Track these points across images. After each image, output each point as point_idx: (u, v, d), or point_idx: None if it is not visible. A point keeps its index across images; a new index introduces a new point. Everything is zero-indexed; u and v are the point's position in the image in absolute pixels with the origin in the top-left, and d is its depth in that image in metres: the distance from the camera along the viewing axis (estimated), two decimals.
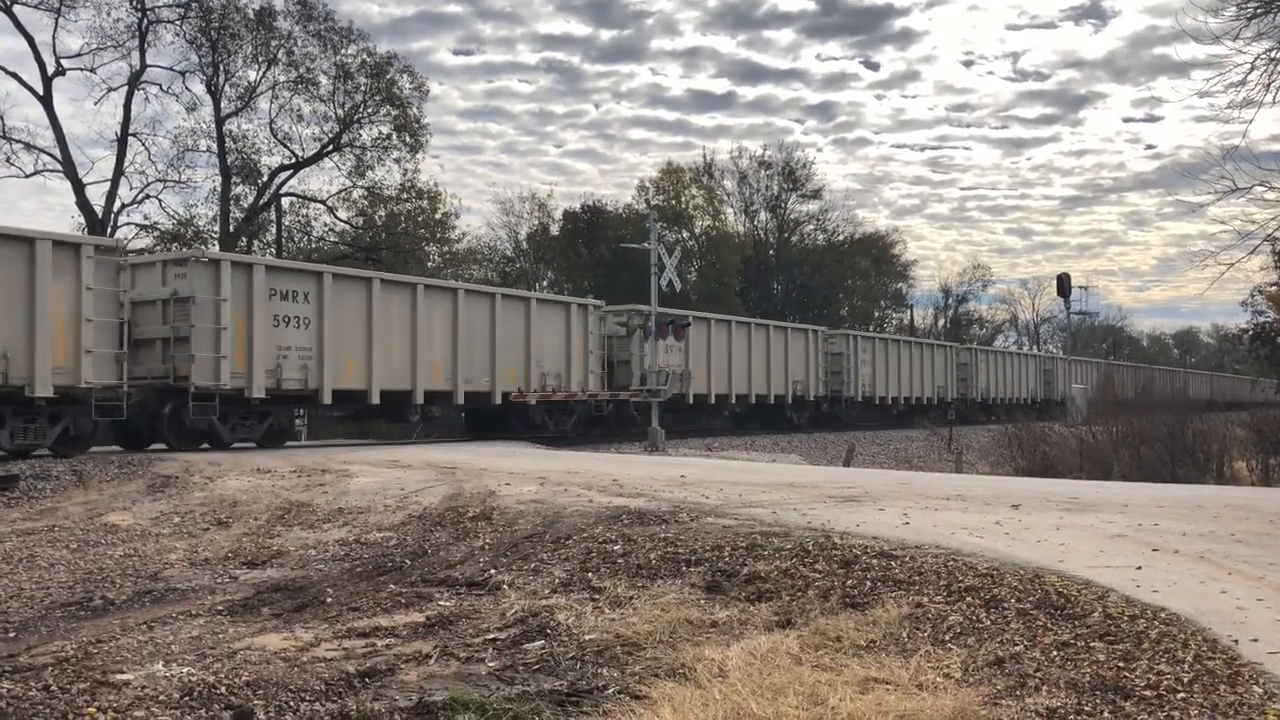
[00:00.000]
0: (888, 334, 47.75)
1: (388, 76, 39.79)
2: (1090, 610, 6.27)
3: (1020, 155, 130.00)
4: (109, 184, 36.47)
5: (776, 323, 35.80)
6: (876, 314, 70.54)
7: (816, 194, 64.86)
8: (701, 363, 30.07)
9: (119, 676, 5.74)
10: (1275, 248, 17.70)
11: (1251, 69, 13.68)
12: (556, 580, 8.05)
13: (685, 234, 55.19)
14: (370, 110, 39.95)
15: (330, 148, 39.88)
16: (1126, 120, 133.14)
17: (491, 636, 6.62)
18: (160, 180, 37.81)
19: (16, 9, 34.27)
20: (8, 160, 34.84)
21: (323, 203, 41.37)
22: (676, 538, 8.99)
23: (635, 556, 8.50)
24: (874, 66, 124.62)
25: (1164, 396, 45.76)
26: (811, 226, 65.99)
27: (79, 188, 35.65)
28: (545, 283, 54.56)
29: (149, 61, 36.66)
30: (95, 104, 45.78)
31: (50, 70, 35.24)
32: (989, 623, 6.30)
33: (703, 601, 7.26)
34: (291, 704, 5.36)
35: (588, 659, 6.09)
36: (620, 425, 27.50)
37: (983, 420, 46.43)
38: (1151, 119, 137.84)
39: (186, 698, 5.39)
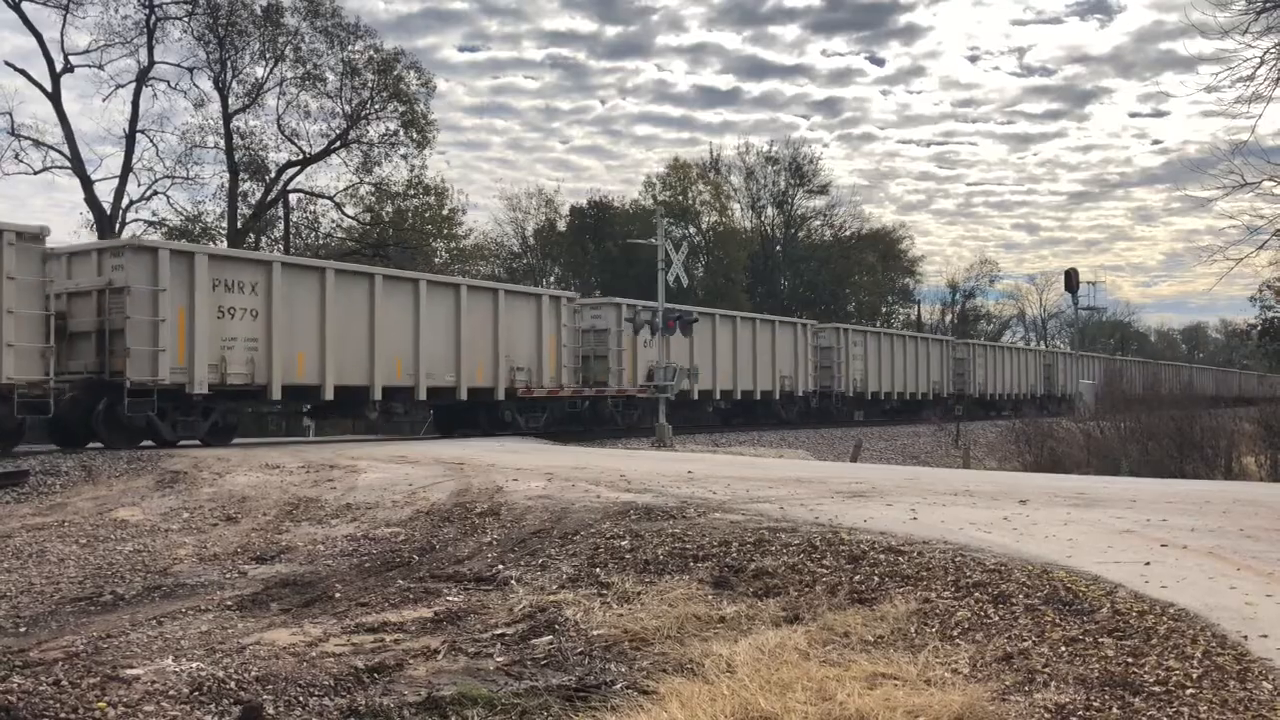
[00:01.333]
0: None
1: (395, 73, 39.85)
2: (1099, 606, 6.26)
3: (1026, 151, 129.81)
4: (117, 181, 36.62)
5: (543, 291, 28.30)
6: (884, 309, 70.42)
7: (823, 189, 64.87)
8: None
9: (129, 671, 5.76)
10: None
11: (1261, 63, 13.65)
12: (564, 576, 8.06)
13: (692, 229, 55.17)
14: (377, 106, 40.01)
15: (337, 144, 39.93)
16: (1133, 116, 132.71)
17: (500, 632, 6.63)
18: (168, 177, 37.97)
19: (25, 6, 34.40)
20: (16, 157, 35.03)
21: (330, 199, 41.48)
22: (684, 533, 8.99)
23: (643, 552, 8.50)
24: (879, 62, 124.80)
25: (1172, 392, 45.23)
26: (818, 222, 66.01)
27: (87, 185, 35.77)
28: (552, 278, 54.56)
29: (157, 58, 36.78)
30: (103, 101, 45.85)
31: (59, 67, 35.39)
32: (997, 618, 6.29)
33: (710, 597, 7.26)
34: (300, 699, 5.37)
35: (596, 654, 6.09)
36: (115, 437, 17.00)
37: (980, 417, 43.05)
38: (1158, 114, 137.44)
39: (196, 692, 5.41)
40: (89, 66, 36.40)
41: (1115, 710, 4.76)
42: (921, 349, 42.16)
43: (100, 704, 5.21)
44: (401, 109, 40.16)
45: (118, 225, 35.74)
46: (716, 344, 30.08)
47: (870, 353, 37.92)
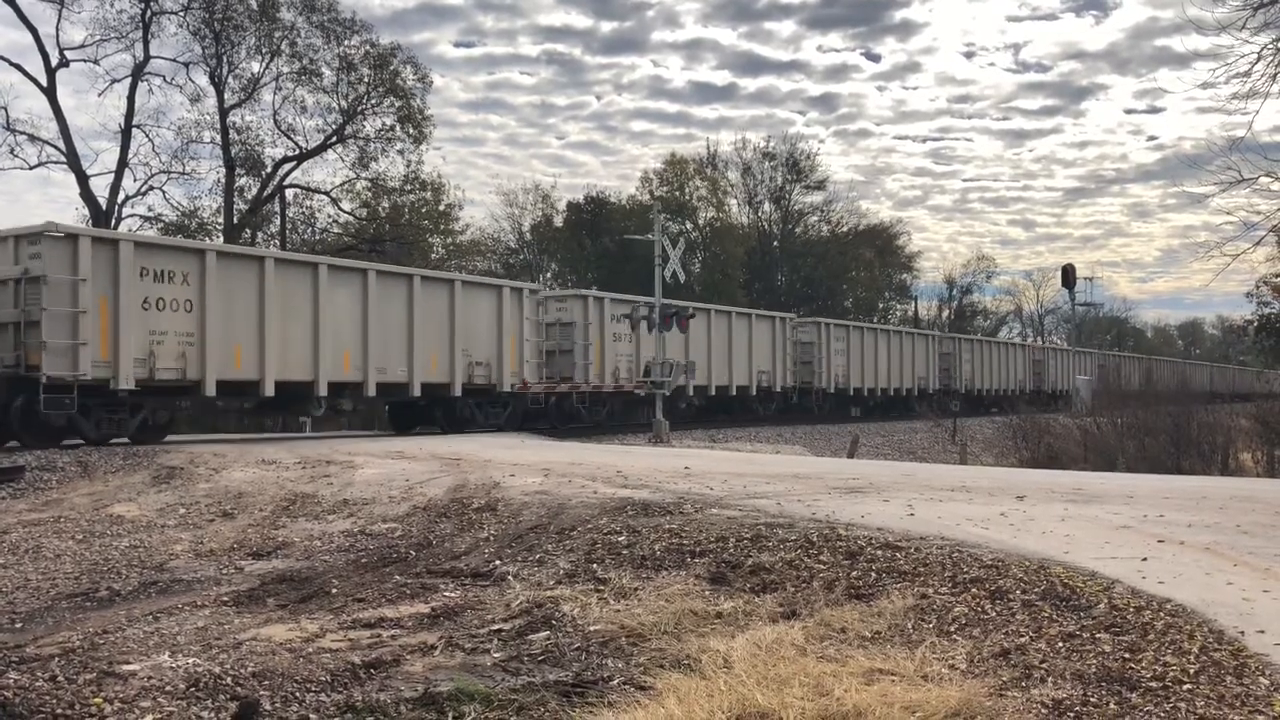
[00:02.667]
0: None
1: (391, 68, 39.77)
2: (1096, 601, 6.26)
3: (1022, 146, 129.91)
4: (113, 176, 36.57)
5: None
6: (881, 305, 70.41)
7: (820, 185, 64.83)
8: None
9: (125, 667, 5.75)
10: None
11: (1258, 59, 13.63)
12: (561, 571, 8.05)
13: (689, 225, 55.12)
14: (374, 102, 39.95)
15: (334, 139, 39.86)
16: (1128, 112, 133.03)
17: (497, 627, 6.62)
18: (164, 172, 37.95)
19: (20, 0, 34.29)
20: (12, 153, 34.99)
21: (326, 194, 41.43)
22: (681, 529, 8.99)
23: (640, 548, 8.50)
24: (875, 58, 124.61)
25: (1169, 388, 44.97)
26: (815, 218, 65.97)
27: (83, 180, 35.71)
28: (549, 274, 54.53)
29: (152, 53, 36.74)
30: (99, 96, 45.95)
31: (54, 62, 35.30)
32: (994, 614, 6.29)
33: (707, 593, 7.25)
34: (297, 695, 5.36)
35: (593, 650, 6.09)
36: None
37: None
38: (1153, 110, 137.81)
39: (192, 688, 5.39)
40: (84, 61, 36.40)
41: (1112, 706, 4.76)
42: (739, 328, 31.28)
43: (96, 700, 5.19)
44: (398, 104, 40.12)
45: (113, 220, 35.67)
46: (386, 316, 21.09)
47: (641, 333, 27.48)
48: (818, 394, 35.17)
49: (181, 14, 36.74)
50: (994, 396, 45.68)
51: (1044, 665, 5.34)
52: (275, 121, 39.21)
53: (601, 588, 7.48)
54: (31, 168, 35.53)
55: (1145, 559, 7.43)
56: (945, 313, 79.85)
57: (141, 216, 38.16)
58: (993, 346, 49.24)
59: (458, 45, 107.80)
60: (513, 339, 23.77)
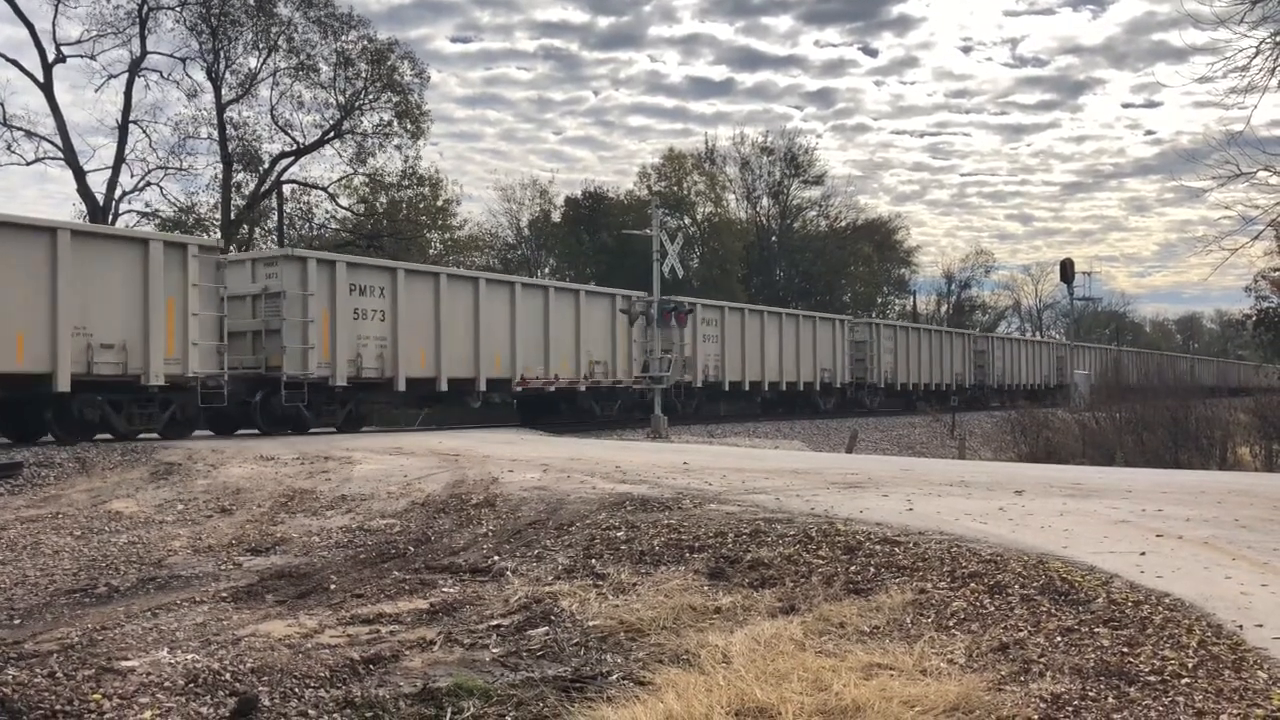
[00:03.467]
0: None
1: (388, 63, 39.70)
2: (1094, 596, 6.26)
3: (1020, 141, 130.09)
4: (110, 172, 36.49)
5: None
6: (880, 300, 70.37)
7: (819, 180, 64.77)
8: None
9: (124, 663, 5.74)
10: (1279, 233, 17.65)
11: (1256, 53, 13.60)
12: (560, 567, 8.05)
13: (687, 220, 55.04)
14: (371, 97, 39.89)
15: (331, 135, 39.79)
16: (1126, 106, 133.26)
17: (496, 623, 6.62)
18: (161, 168, 37.87)
19: None
20: (9, 148, 34.91)
21: (324, 190, 41.38)
22: (680, 524, 8.99)
23: (639, 543, 8.50)
24: (873, 53, 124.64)
25: (1167, 382, 44.73)
26: (814, 213, 65.92)
27: (80, 175, 35.62)
28: (547, 269, 54.50)
29: (149, 48, 36.65)
30: (96, 91, 45.72)
31: (50, 57, 35.21)
32: (993, 609, 6.30)
33: (706, 588, 7.26)
34: (296, 690, 5.36)
35: (592, 645, 6.09)
36: None
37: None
38: (1151, 105, 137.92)
39: (191, 684, 5.39)
40: (81, 57, 36.29)
41: (1111, 699, 4.76)
42: (562, 308, 24.69)
43: (95, 696, 5.19)
44: (395, 99, 40.04)
45: (110, 216, 35.61)
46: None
47: (416, 308, 21.41)
48: (681, 389, 29.19)
49: (178, 9, 36.67)
50: (923, 392, 40.74)
51: (1042, 660, 5.34)
52: (272, 117, 39.18)
53: (600, 583, 7.48)
54: (28, 163, 35.51)
55: (1143, 553, 7.43)
56: (944, 307, 79.86)
57: (139, 212, 38.14)
58: (920, 334, 42.13)
59: (454, 40, 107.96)
60: (170, 314, 17.14)
